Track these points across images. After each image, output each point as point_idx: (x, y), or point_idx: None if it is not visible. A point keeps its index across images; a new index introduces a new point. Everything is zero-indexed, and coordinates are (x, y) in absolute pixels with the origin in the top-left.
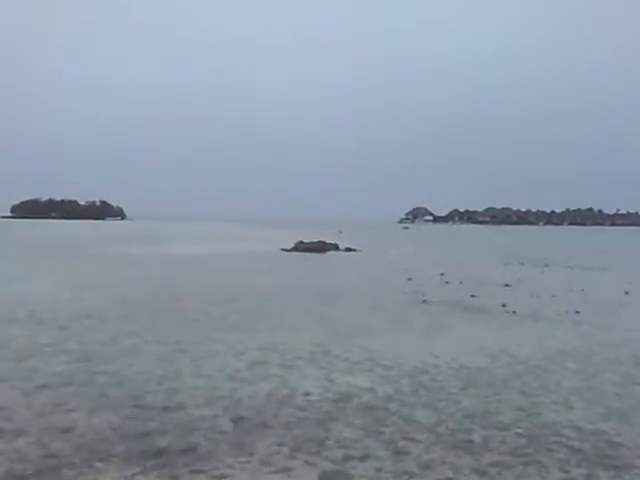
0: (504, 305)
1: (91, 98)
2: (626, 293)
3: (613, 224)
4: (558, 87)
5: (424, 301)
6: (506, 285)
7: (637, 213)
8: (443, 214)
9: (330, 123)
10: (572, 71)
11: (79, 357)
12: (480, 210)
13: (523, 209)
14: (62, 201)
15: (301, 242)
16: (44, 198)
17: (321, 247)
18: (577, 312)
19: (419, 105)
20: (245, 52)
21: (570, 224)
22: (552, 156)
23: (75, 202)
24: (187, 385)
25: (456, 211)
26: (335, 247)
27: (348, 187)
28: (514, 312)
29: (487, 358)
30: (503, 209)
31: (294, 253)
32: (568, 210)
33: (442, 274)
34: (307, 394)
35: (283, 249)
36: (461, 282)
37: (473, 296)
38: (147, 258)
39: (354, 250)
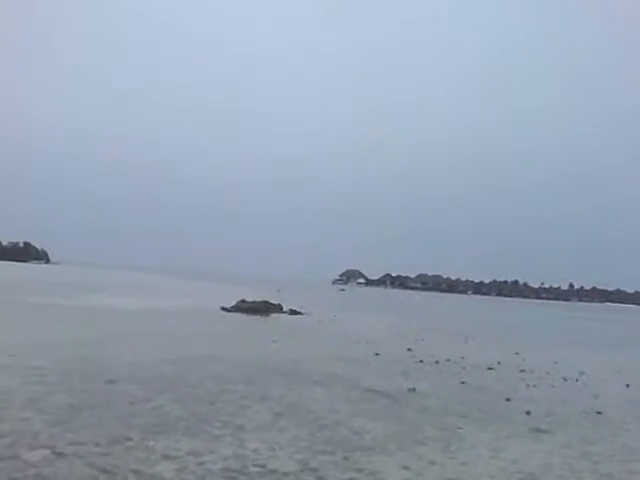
0: (508, 399)
1: (21, 135)
2: (627, 386)
3: (537, 297)
4: (498, 163)
5: (411, 389)
6: (489, 368)
7: (559, 288)
8: (375, 277)
9: (262, 185)
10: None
11: None
12: (412, 276)
13: (453, 277)
14: None
15: (243, 301)
16: None
17: (265, 308)
18: (598, 413)
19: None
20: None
21: (497, 295)
22: (481, 230)
23: None
24: None
25: (388, 275)
26: (279, 308)
27: (281, 244)
28: (528, 413)
29: None
30: (434, 276)
31: (236, 314)
32: (495, 281)
33: (410, 349)
34: None
35: (223, 308)
36: (437, 362)
37: (463, 383)
38: (74, 311)
39: (300, 313)
